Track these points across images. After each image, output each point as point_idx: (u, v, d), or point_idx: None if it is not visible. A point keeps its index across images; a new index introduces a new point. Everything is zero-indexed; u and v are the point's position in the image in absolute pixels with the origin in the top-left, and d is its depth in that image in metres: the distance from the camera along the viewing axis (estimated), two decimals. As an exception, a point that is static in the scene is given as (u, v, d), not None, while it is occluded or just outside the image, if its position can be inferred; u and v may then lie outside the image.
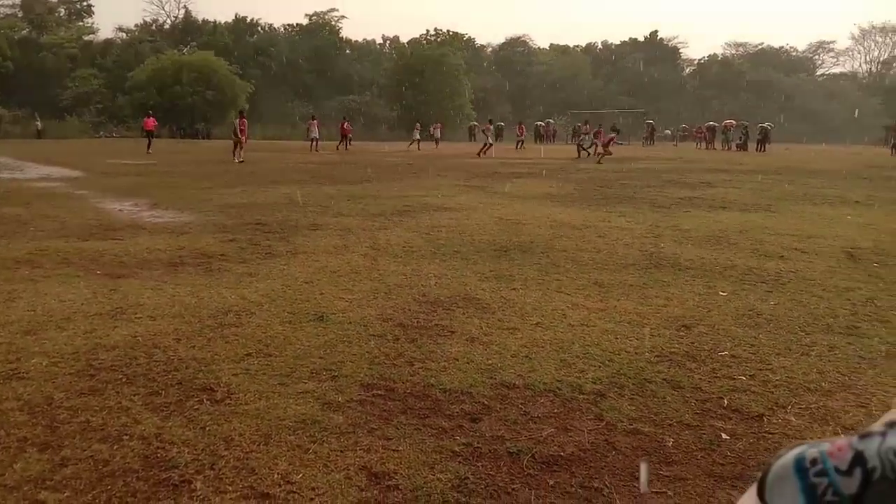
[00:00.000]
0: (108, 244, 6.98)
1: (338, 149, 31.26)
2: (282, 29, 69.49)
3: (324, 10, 68.41)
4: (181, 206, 10.11)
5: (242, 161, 20.23)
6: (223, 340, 3.97)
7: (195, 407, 3.07)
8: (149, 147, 25.92)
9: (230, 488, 2.42)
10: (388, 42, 75.56)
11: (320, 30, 66.44)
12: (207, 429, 2.85)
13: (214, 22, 65.47)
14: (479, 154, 26.56)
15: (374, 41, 75.78)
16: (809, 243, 7.44)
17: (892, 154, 34.89)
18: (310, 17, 67.81)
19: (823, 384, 3.45)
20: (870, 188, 14.38)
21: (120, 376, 3.40)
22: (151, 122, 27.64)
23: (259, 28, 67.62)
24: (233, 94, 51.29)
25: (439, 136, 38.10)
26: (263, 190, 12.64)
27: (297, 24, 69.00)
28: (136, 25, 67.30)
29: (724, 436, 2.88)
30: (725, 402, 3.23)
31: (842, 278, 5.80)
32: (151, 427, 2.86)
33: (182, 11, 69.22)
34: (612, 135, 25.85)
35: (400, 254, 6.65)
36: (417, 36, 63.14)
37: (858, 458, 0.41)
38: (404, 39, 68.01)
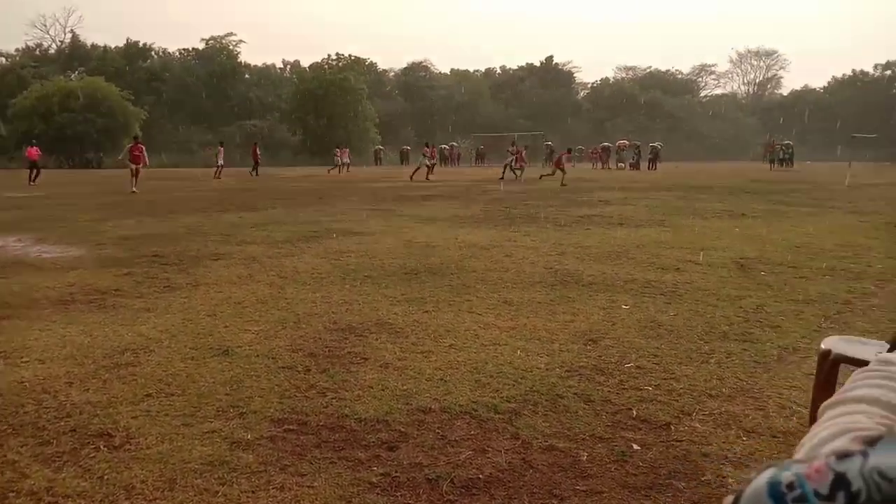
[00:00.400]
0: (-11, 283, 6.48)
1: (255, 174, 30.52)
2: (177, 54, 67.37)
3: (221, 34, 66.77)
4: (71, 240, 9.54)
5: (135, 191, 19.32)
6: (120, 381, 3.74)
7: (91, 455, 2.86)
8: (33, 178, 24.36)
9: (132, 541, 2.26)
10: (289, 66, 74.65)
11: (217, 54, 64.81)
12: (106, 478, 2.67)
13: (104, 47, 62.78)
14: (426, 177, 26.22)
15: (273, 66, 74.60)
16: (702, 255, 7.83)
17: (770, 169, 37.61)
18: (206, 41, 66.12)
19: (724, 390, 3.61)
20: (753, 201, 15.37)
21: (4, 427, 3.14)
22: (34, 152, 25.95)
23: (153, 53, 65.27)
24: (125, 120, 49.21)
25: (348, 160, 37.28)
26: (161, 220, 12.12)
27: (192, 49, 67.04)
28: (17, 50, 63.60)
29: (635, 446, 2.96)
30: (634, 412, 3.32)
31: (734, 287, 6.14)
32: (42, 480, 2.64)
33: (68, 36, 66.10)
34: (565, 152, 26.15)
35: (308, 281, 6.52)
36: (319, 60, 62.62)
37: (840, 481, 0.39)
38: (305, 64, 67.30)
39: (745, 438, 3.03)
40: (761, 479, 0.41)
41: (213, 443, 2.97)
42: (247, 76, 68.26)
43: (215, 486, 2.60)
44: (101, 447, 2.93)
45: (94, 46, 63.62)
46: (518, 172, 26.89)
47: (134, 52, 62.87)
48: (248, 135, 54.23)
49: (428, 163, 28.07)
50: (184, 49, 67.42)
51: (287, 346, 4.40)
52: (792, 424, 3.16)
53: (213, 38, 65.75)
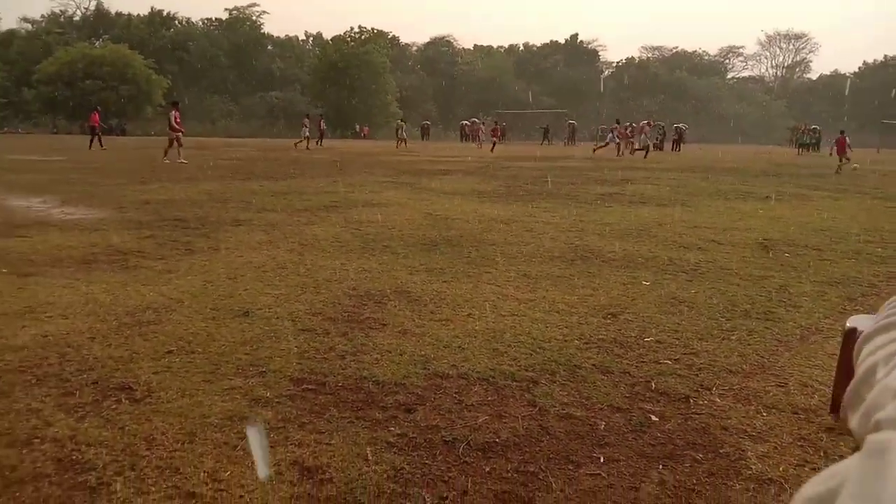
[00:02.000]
0: (14, 242, 6.56)
1: (319, 145, 32.54)
2: (200, 23, 67.46)
3: (244, 4, 66.59)
4: (94, 203, 9.63)
5: (185, 162, 18.04)
6: (142, 338, 3.78)
7: (113, 407, 2.90)
8: (96, 143, 25.59)
9: (153, 489, 2.29)
10: (311, 38, 74.41)
11: (241, 25, 64.82)
12: (127, 429, 2.70)
13: (128, 14, 63.10)
14: (593, 151, 26.38)
15: (296, 37, 74.50)
16: (725, 235, 7.74)
17: (798, 153, 36.98)
18: (230, 11, 66.06)
19: (744, 366, 3.58)
20: (778, 184, 15.14)
21: (29, 377, 3.19)
22: (96, 118, 27.24)
23: (176, 22, 65.40)
24: (148, 89, 49.62)
25: (405, 135, 37.15)
26: (182, 186, 12.20)
27: (216, 19, 67.24)
28: (42, 16, 64.10)
29: (653, 417, 2.94)
30: (653, 385, 3.30)
31: (756, 268, 6.06)
32: (65, 429, 2.68)
33: (93, 3, 66.36)
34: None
35: (328, 248, 6.53)
36: (341, 33, 62.25)
37: None
38: (327, 36, 66.99)
39: (765, 414, 3.00)
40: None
41: (233, 399, 3.00)
42: (269, 47, 68.24)
43: (234, 440, 2.63)
44: (123, 399, 2.97)
45: (118, 14, 64.00)
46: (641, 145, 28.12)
47: (157, 21, 63.04)
48: (269, 106, 54.31)
49: (618, 139, 28.37)
50: (207, 19, 67.57)
51: (307, 309, 4.41)
52: (814, 402, 3.12)
53: (236, 8, 65.77)
